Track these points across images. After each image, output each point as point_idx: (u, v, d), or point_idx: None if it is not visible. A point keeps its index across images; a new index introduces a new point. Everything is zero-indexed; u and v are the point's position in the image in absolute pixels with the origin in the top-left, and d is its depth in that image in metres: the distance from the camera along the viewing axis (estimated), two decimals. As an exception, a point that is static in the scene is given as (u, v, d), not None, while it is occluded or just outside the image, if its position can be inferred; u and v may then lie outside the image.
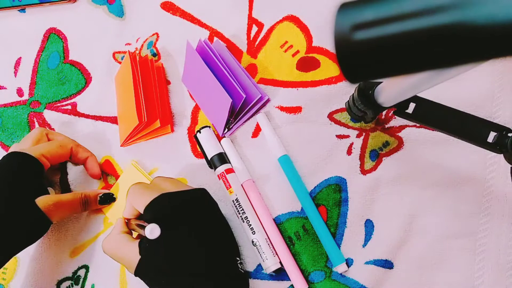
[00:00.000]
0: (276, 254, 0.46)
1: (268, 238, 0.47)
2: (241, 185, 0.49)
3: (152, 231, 0.39)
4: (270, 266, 0.45)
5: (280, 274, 0.47)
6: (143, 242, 0.40)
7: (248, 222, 0.47)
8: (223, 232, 0.44)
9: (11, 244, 0.44)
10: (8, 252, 0.44)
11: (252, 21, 0.55)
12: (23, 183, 0.44)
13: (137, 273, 0.40)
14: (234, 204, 0.48)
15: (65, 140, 0.51)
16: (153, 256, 0.39)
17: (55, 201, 0.45)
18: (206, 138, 0.50)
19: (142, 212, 0.41)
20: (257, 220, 0.47)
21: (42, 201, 0.44)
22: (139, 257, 0.39)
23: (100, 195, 0.50)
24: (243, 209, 0.47)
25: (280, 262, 0.46)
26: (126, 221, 0.44)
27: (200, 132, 0.50)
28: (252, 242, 0.46)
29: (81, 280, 0.51)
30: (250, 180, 0.49)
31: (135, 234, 0.45)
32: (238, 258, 0.43)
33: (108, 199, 0.51)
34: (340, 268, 0.46)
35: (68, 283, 0.51)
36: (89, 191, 0.50)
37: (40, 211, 0.44)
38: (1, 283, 0.52)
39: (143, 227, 0.41)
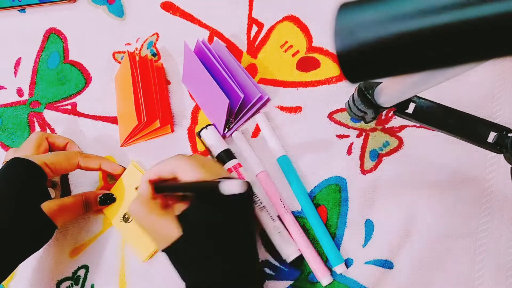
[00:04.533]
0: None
1: (285, 227, 0.47)
2: (256, 176, 0.49)
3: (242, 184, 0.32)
4: (290, 254, 0.46)
5: (280, 273, 0.47)
6: (186, 217, 0.37)
7: (267, 210, 0.47)
8: (254, 233, 0.43)
9: (19, 251, 0.43)
10: (16, 260, 0.43)
11: (252, 21, 0.55)
12: (29, 190, 0.44)
13: (171, 249, 0.37)
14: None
15: (71, 153, 0.49)
16: (197, 235, 0.37)
17: (59, 205, 0.45)
18: (212, 135, 0.50)
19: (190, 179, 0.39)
20: (274, 210, 0.48)
21: (46, 206, 0.44)
22: (180, 233, 0.37)
23: (100, 196, 0.50)
24: (260, 200, 0.47)
25: (300, 250, 0.47)
26: (155, 184, 0.41)
27: (206, 129, 0.50)
28: (274, 228, 0.46)
29: (81, 280, 0.50)
30: (264, 172, 0.49)
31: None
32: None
33: (108, 199, 0.50)
34: (339, 268, 0.46)
35: (68, 283, 0.51)
36: (88, 193, 0.50)
37: (46, 216, 0.44)
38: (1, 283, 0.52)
39: (179, 197, 0.38)
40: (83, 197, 0.48)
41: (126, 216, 0.50)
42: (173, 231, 0.37)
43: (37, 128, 0.56)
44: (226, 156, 0.49)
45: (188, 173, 0.39)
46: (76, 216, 0.50)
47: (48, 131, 0.55)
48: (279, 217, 0.48)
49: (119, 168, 0.51)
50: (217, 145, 0.50)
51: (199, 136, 0.51)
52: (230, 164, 0.49)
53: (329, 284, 0.46)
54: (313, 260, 0.46)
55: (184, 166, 0.39)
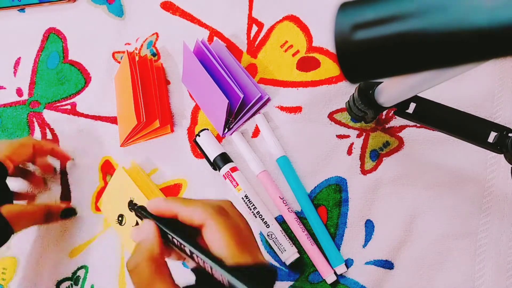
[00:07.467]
0: (294, 244, 0.47)
1: (282, 230, 0.47)
2: (256, 176, 0.49)
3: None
4: (289, 257, 0.46)
5: (280, 274, 0.47)
6: None
7: (261, 216, 0.47)
8: None
9: None
10: None
11: (252, 20, 0.55)
12: None
13: None
14: (244, 201, 0.48)
15: (24, 138, 0.50)
16: None
17: (19, 211, 0.45)
18: (206, 141, 0.50)
19: (217, 253, 0.28)
20: (270, 213, 0.48)
21: (6, 209, 0.44)
22: None
23: (62, 210, 0.50)
24: (253, 205, 0.47)
25: (299, 252, 0.46)
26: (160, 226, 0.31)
27: (199, 136, 0.50)
28: (268, 235, 0.46)
29: (81, 280, 0.50)
30: (265, 172, 0.49)
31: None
32: None
33: (70, 213, 0.51)
34: (339, 269, 0.45)
35: (67, 283, 0.51)
36: (52, 204, 0.50)
37: (4, 219, 0.43)
38: (0, 283, 0.52)
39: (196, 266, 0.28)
40: (45, 208, 0.48)
41: (120, 219, 0.50)
42: None
43: (37, 128, 0.56)
44: (221, 160, 0.49)
45: (217, 233, 0.29)
46: (34, 224, 0.49)
47: (47, 131, 0.55)
48: (278, 218, 0.48)
49: (66, 155, 0.53)
50: (213, 150, 0.49)
51: (196, 143, 0.51)
52: (224, 169, 0.49)
53: (331, 283, 0.46)
54: (317, 258, 0.46)
55: (213, 220, 0.29)
